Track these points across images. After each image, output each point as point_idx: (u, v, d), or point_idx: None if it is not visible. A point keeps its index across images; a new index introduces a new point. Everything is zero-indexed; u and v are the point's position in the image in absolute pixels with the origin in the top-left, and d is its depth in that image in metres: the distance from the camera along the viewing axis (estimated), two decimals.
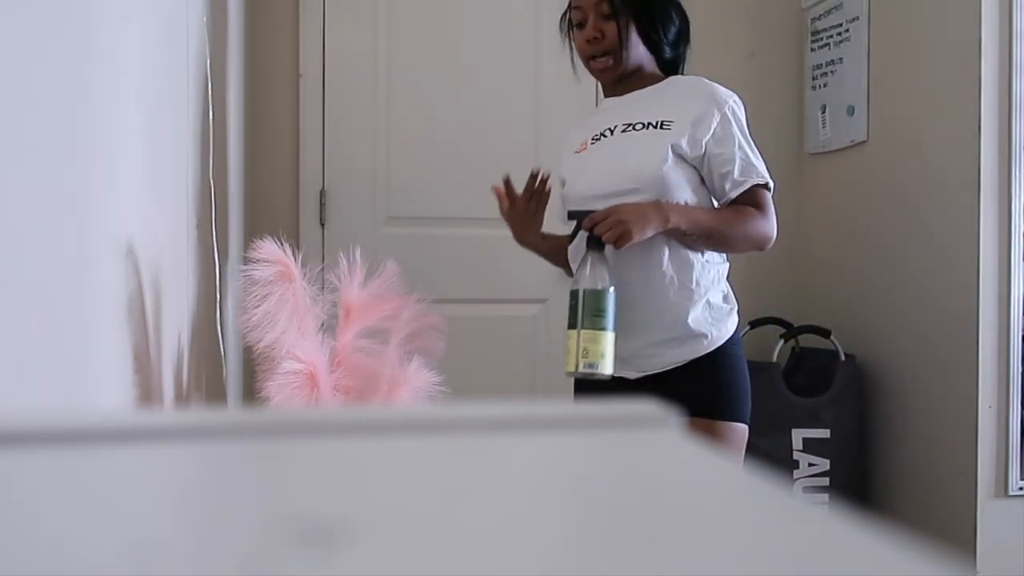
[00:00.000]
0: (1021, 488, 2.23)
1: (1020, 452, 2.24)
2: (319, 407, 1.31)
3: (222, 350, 1.67)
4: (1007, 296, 2.22)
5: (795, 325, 2.74)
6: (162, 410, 1.25)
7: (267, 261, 1.36)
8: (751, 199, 1.64)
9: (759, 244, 1.65)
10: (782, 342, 2.69)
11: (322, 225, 2.74)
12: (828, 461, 2.50)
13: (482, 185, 2.89)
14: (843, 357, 2.61)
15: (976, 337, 2.22)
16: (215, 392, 1.69)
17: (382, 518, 0.25)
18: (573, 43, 1.79)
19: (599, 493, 0.29)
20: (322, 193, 2.74)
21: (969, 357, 2.24)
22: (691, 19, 1.78)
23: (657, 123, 1.66)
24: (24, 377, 0.76)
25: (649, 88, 1.74)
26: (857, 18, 2.70)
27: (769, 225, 1.65)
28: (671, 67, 1.78)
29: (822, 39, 2.87)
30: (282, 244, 1.38)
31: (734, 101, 1.67)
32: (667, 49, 1.73)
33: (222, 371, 1.72)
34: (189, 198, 1.48)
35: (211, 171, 1.62)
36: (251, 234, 2.31)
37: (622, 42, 1.68)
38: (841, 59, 2.78)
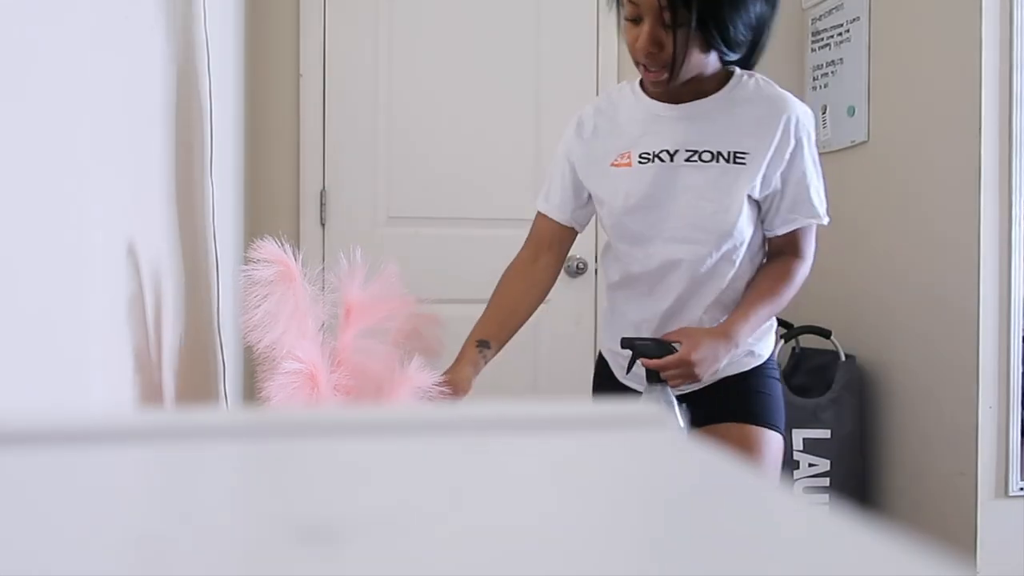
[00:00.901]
0: (1021, 488, 2.23)
1: (1020, 452, 2.24)
2: (319, 407, 1.31)
3: (222, 350, 1.67)
4: (1007, 296, 2.22)
5: (795, 325, 2.74)
6: (162, 410, 1.25)
7: (267, 261, 1.36)
8: (795, 239, 1.51)
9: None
10: (782, 342, 2.69)
11: (322, 225, 2.74)
12: (828, 461, 2.50)
13: (482, 185, 2.90)
14: (843, 357, 2.61)
15: (976, 337, 2.22)
16: (215, 392, 1.69)
17: (382, 518, 0.25)
18: (621, 31, 1.46)
19: (598, 493, 0.29)
20: (322, 193, 2.74)
21: (969, 357, 2.24)
22: None
23: (729, 155, 1.43)
24: (24, 377, 0.76)
25: (714, 98, 1.47)
26: (858, 18, 2.70)
27: (806, 267, 1.52)
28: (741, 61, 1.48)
29: (822, 39, 2.88)
30: (282, 244, 1.38)
31: (809, 121, 1.47)
32: (736, 54, 1.41)
33: (222, 371, 1.72)
34: (189, 198, 1.48)
35: (211, 171, 1.62)
36: (251, 234, 2.31)
37: (681, 58, 1.36)
38: (841, 59, 2.78)
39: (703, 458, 0.32)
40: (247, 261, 1.34)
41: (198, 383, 1.54)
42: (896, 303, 2.56)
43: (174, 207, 1.38)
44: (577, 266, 2.82)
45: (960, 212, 2.28)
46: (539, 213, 1.63)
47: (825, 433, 2.51)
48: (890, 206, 2.59)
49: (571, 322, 2.83)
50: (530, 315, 1.65)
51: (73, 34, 0.90)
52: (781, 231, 1.50)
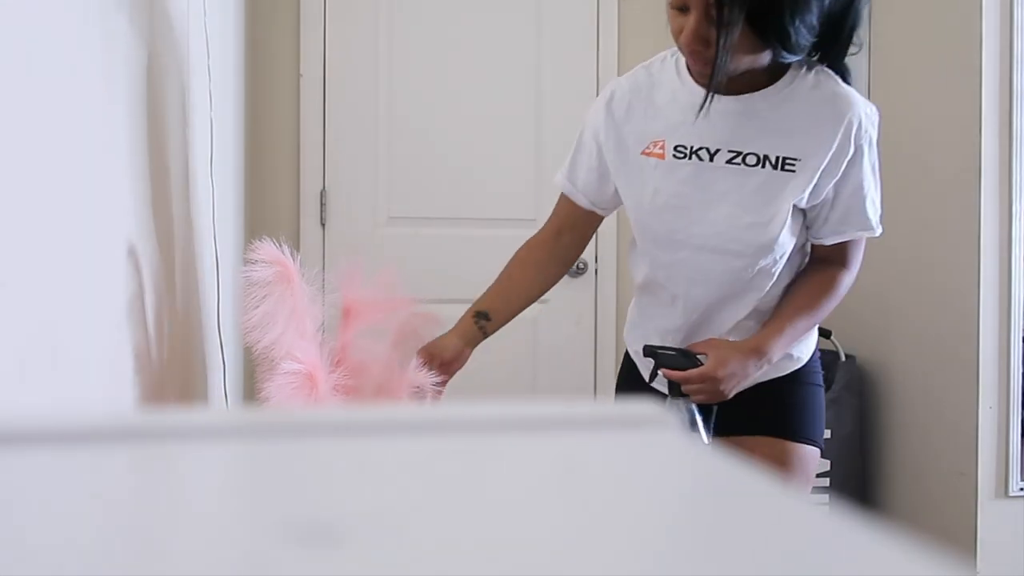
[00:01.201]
0: (1021, 489, 2.23)
1: (1020, 452, 2.24)
2: (319, 407, 1.31)
3: (222, 350, 1.67)
4: (1007, 296, 2.22)
5: None
6: (162, 410, 1.25)
7: (266, 262, 1.36)
8: (843, 249, 1.36)
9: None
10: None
11: (322, 225, 2.74)
12: (828, 461, 2.50)
13: (482, 185, 2.90)
14: (843, 357, 2.61)
15: (976, 337, 2.22)
16: (215, 392, 1.69)
17: (382, 518, 0.25)
18: (667, 17, 1.27)
19: (599, 493, 0.29)
20: (322, 193, 2.74)
21: (969, 357, 2.23)
22: None
23: (777, 161, 1.27)
24: (24, 377, 0.76)
25: (766, 92, 1.28)
26: None
27: (851, 277, 1.39)
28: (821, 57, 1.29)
29: None
30: (280, 245, 1.38)
31: (873, 123, 1.29)
32: (796, 56, 1.22)
33: (222, 371, 1.72)
34: (189, 198, 1.48)
35: (211, 171, 1.62)
36: (251, 234, 2.31)
37: (724, 61, 1.18)
38: None
39: (704, 458, 0.32)
40: (246, 262, 1.34)
41: (198, 383, 1.54)
42: (896, 303, 2.56)
43: (174, 207, 1.38)
44: (577, 266, 2.82)
45: (960, 212, 2.28)
46: (562, 194, 1.48)
47: (825, 433, 2.51)
48: (890, 206, 2.58)
49: (571, 322, 2.83)
50: (542, 292, 1.52)
51: (73, 34, 0.90)
52: (829, 241, 1.35)
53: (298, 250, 1.42)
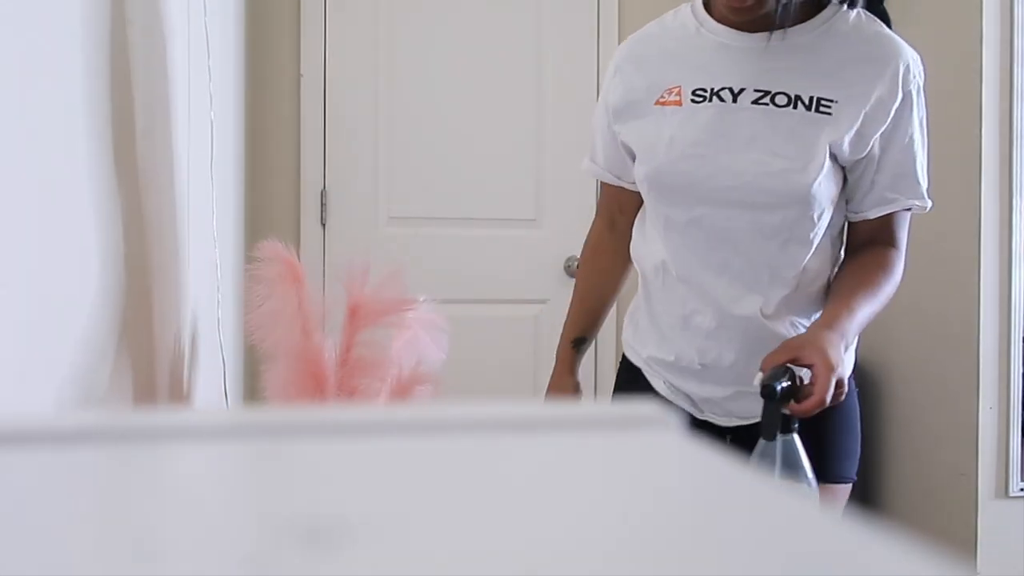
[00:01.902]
0: (1021, 489, 2.23)
1: (1020, 453, 2.24)
2: (322, 407, 1.31)
3: (222, 350, 1.67)
4: (1007, 297, 2.22)
5: None
6: (162, 410, 1.25)
7: (272, 260, 1.36)
8: (889, 225, 1.19)
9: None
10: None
11: (323, 225, 2.74)
12: None
13: (482, 185, 2.90)
14: None
15: (976, 338, 2.22)
16: (215, 392, 1.69)
17: (382, 518, 0.25)
18: None
19: (599, 494, 0.29)
20: (323, 193, 2.74)
21: (969, 358, 2.23)
22: None
23: (811, 102, 1.11)
24: (24, 377, 0.76)
25: (800, 28, 1.15)
26: None
27: (901, 264, 1.21)
28: None
29: None
30: (286, 245, 1.38)
31: (920, 74, 1.15)
32: None
33: (222, 370, 1.72)
34: (189, 197, 1.48)
35: (211, 171, 1.62)
36: (252, 234, 2.31)
37: None
38: None
39: (704, 459, 0.32)
40: (251, 260, 1.34)
41: (198, 383, 1.54)
42: (896, 303, 2.55)
43: (174, 206, 1.38)
44: (577, 265, 2.82)
45: (960, 211, 2.28)
46: (599, 181, 1.41)
47: None
48: None
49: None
50: (623, 286, 1.45)
51: (73, 34, 0.90)
52: (874, 213, 1.17)
53: (298, 250, 1.43)
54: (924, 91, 1.15)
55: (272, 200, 2.69)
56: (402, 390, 1.42)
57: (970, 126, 2.24)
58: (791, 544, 0.23)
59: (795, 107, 1.12)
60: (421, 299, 1.47)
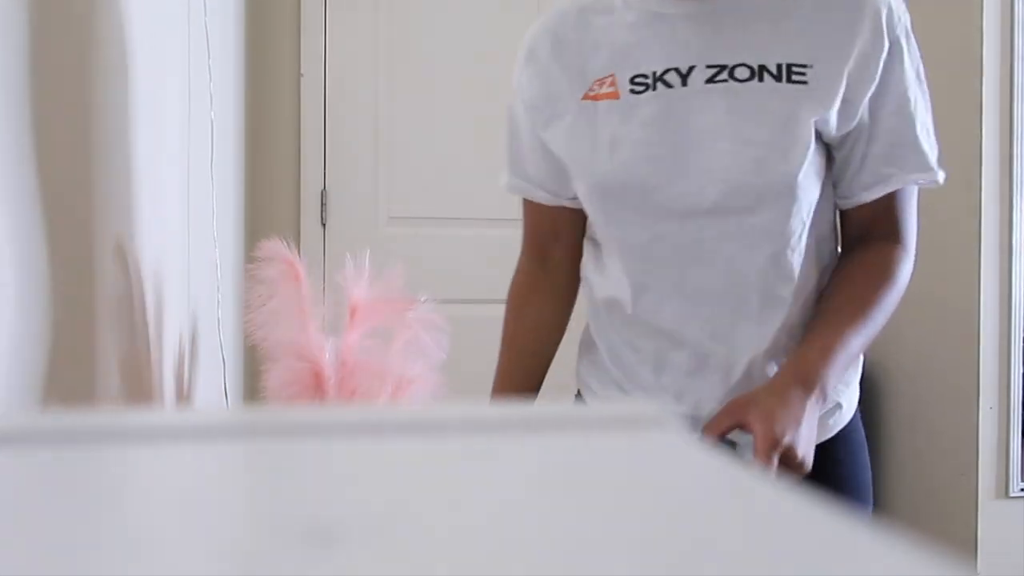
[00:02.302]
0: (1021, 489, 2.23)
1: (1020, 453, 2.24)
2: (323, 407, 1.31)
3: (221, 349, 1.67)
4: (1008, 296, 2.22)
5: None
6: (162, 410, 1.25)
7: (273, 260, 1.36)
8: (891, 210, 0.95)
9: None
10: None
11: (323, 225, 2.74)
12: None
13: (483, 185, 2.90)
14: None
15: (976, 338, 2.22)
16: (215, 392, 1.69)
17: (382, 518, 0.25)
18: None
19: (599, 494, 0.29)
20: (323, 193, 2.74)
21: (969, 358, 2.23)
22: None
23: (780, 70, 0.88)
24: (24, 377, 0.76)
25: None
26: None
27: (910, 261, 0.97)
28: None
29: None
30: (288, 244, 1.38)
31: (903, 11, 0.92)
32: None
33: (222, 370, 1.72)
34: (190, 197, 1.48)
35: (211, 171, 1.62)
36: (251, 234, 2.31)
37: None
38: None
39: (704, 459, 0.32)
40: (252, 260, 1.35)
41: (198, 383, 1.54)
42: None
43: (174, 207, 1.38)
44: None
45: (961, 212, 2.28)
46: (523, 201, 1.11)
47: None
48: None
49: (572, 321, 2.83)
50: (562, 335, 1.17)
51: (73, 34, 0.90)
52: (869, 195, 0.94)
53: (298, 250, 1.43)
54: (913, 34, 0.93)
55: (272, 200, 2.69)
56: (402, 390, 1.42)
57: (970, 125, 2.24)
58: (791, 544, 0.23)
59: (761, 79, 0.88)
60: (421, 299, 1.47)
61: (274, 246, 1.35)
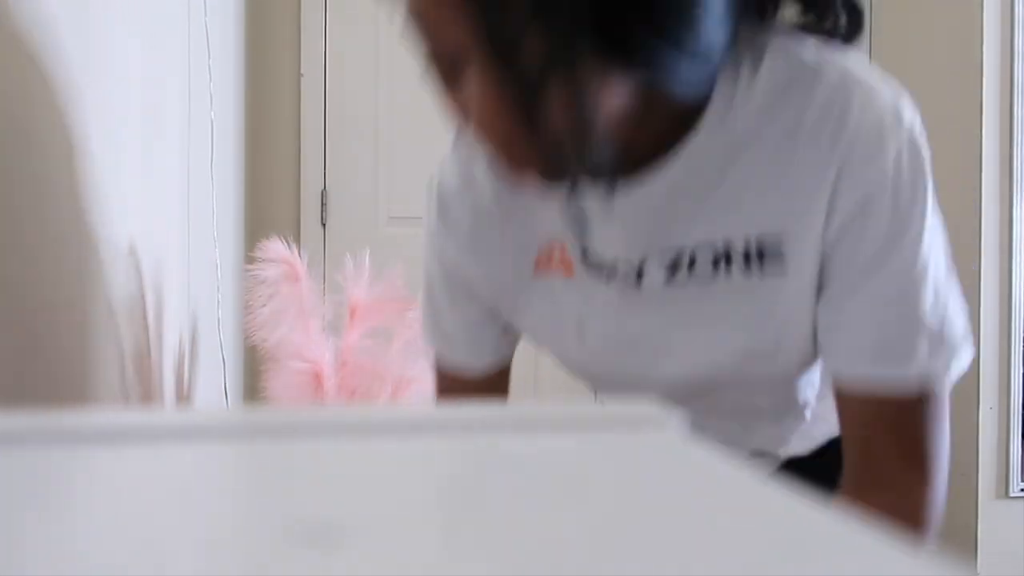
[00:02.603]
0: (1021, 489, 2.23)
1: (1020, 453, 2.24)
2: (323, 407, 1.31)
3: (222, 350, 1.67)
4: (1008, 297, 2.22)
5: None
6: (162, 410, 1.25)
7: (273, 261, 1.36)
8: (886, 409, 0.71)
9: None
10: None
11: (323, 225, 2.74)
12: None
13: None
14: None
15: (977, 338, 2.22)
16: (215, 392, 1.69)
17: (382, 519, 0.25)
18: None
19: (598, 494, 0.29)
20: (323, 193, 2.74)
21: None
22: None
23: (748, 249, 0.66)
24: (24, 377, 0.76)
25: (692, 145, 0.63)
26: None
27: (937, 492, 0.77)
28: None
29: None
30: (288, 245, 1.38)
31: (911, 144, 0.69)
32: (700, 69, 0.56)
33: (222, 370, 1.72)
34: (190, 197, 1.48)
35: (211, 171, 1.62)
36: (251, 234, 2.31)
37: (590, 116, 0.54)
38: None
39: (703, 459, 0.32)
40: (253, 260, 1.35)
41: (198, 383, 1.54)
42: None
43: (174, 207, 1.38)
44: None
45: (961, 211, 2.28)
46: (438, 370, 0.86)
47: None
48: None
49: None
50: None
51: (73, 34, 0.90)
52: (851, 387, 0.69)
53: (298, 250, 1.43)
54: (927, 187, 0.70)
55: (272, 200, 2.70)
56: (402, 390, 1.42)
57: (971, 125, 2.24)
58: (791, 545, 0.23)
59: (728, 268, 0.66)
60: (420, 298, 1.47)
61: (274, 246, 1.36)
